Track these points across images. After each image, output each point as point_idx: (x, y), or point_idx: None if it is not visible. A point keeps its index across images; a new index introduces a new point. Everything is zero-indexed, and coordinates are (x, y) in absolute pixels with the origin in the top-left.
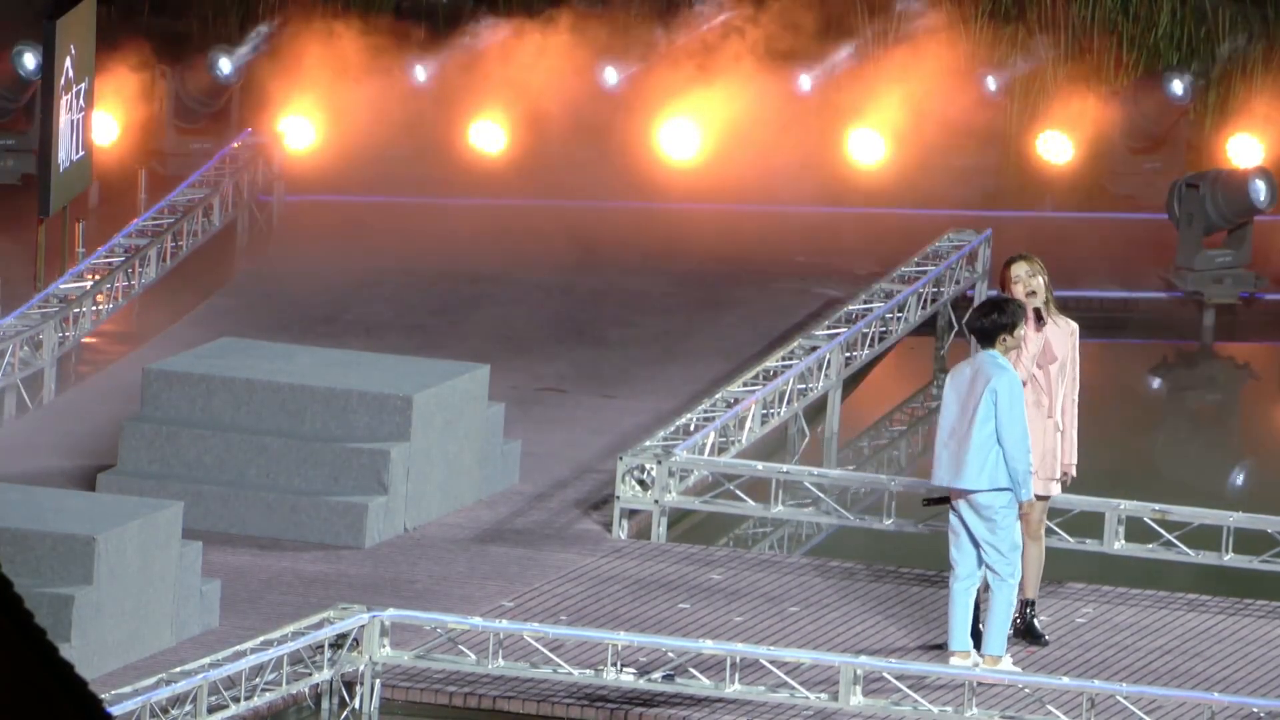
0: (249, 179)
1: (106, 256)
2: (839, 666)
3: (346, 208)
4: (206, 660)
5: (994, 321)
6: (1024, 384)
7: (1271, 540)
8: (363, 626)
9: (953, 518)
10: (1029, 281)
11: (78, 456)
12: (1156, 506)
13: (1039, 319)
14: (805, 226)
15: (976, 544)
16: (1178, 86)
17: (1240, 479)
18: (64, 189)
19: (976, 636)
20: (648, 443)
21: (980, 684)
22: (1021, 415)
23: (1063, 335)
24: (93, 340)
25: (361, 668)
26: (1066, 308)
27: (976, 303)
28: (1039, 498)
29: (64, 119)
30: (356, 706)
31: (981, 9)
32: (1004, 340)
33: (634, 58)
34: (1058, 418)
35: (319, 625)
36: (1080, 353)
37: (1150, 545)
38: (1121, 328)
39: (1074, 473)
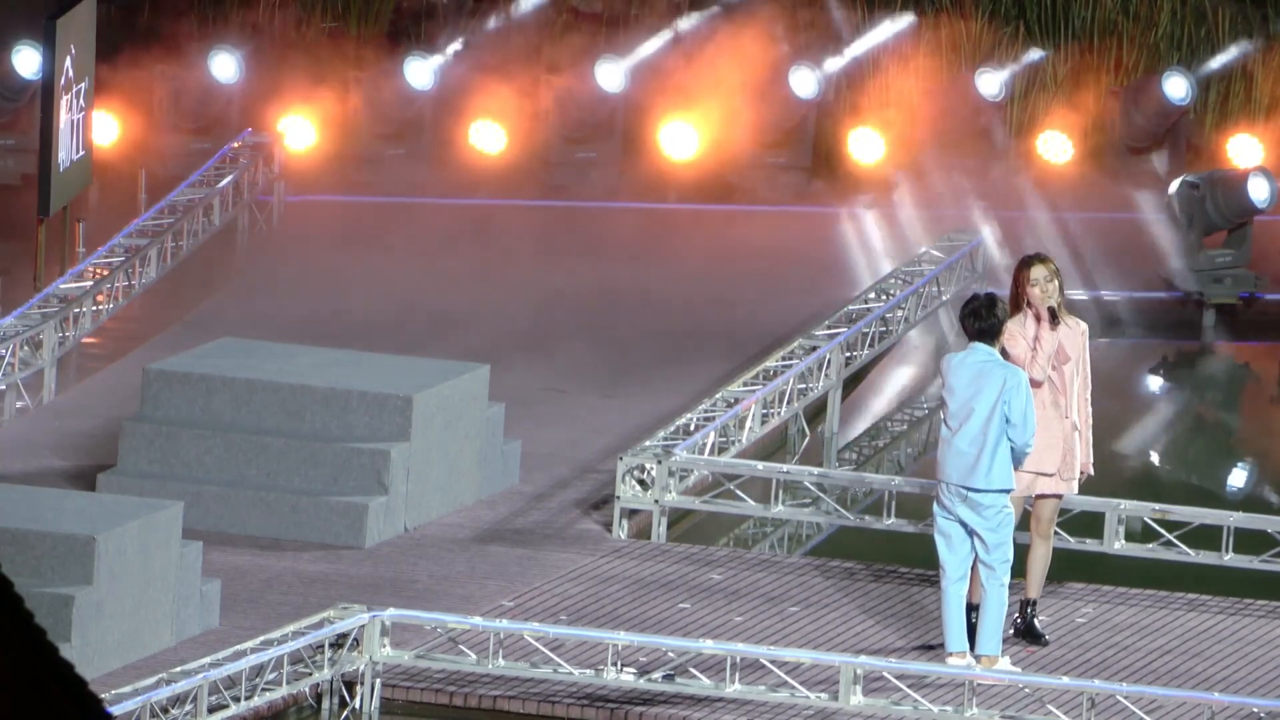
0: (249, 179)
1: (106, 256)
2: (839, 666)
3: (346, 208)
4: (206, 660)
5: (996, 321)
6: (1040, 385)
7: (1271, 540)
8: (363, 626)
9: (941, 519)
10: (1046, 286)
11: (78, 456)
12: (1156, 506)
13: (1053, 318)
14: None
15: (971, 536)
16: (1178, 86)
17: (1240, 479)
18: (64, 189)
19: (974, 637)
20: (648, 443)
21: (980, 684)
22: (1033, 407)
23: (1074, 335)
24: (93, 340)
25: (362, 667)
26: (1069, 307)
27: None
28: (1052, 497)
29: (64, 119)
30: (356, 706)
31: (982, 9)
32: (1001, 337)
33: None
34: (1074, 418)
35: (319, 625)
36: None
37: (1150, 545)
38: (1121, 328)
39: (1091, 470)
